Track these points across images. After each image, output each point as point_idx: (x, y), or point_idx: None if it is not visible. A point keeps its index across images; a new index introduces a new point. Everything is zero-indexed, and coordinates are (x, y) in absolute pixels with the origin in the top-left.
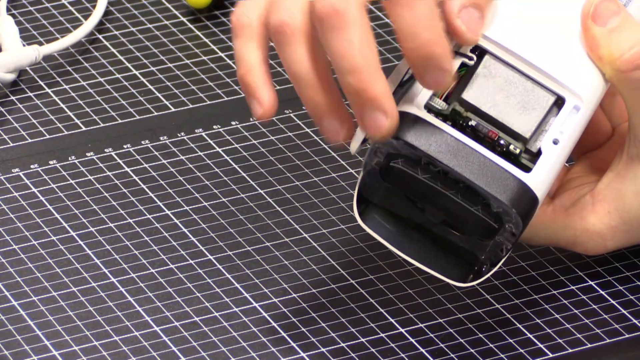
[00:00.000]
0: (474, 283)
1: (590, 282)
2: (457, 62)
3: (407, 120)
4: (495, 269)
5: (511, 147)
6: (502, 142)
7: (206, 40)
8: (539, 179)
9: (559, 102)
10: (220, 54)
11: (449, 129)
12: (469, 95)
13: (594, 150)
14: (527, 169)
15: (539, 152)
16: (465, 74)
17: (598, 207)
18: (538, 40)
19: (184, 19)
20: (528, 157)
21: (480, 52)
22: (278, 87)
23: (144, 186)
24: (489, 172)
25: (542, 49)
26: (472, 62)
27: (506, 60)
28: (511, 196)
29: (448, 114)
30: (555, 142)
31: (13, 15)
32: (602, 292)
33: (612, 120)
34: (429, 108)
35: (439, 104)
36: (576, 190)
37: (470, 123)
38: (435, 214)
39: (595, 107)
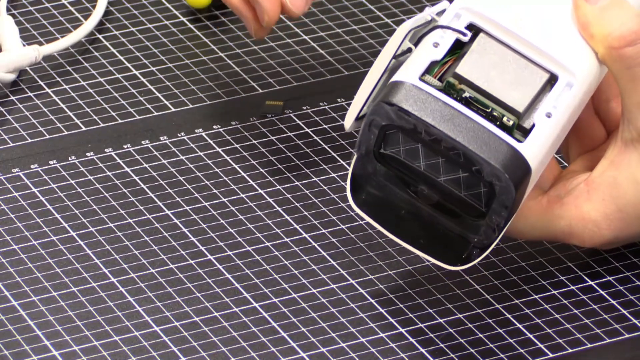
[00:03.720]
0: (467, 266)
1: (590, 282)
2: (451, 38)
3: (402, 88)
4: (488, 251)
5: (504, 119)
6: (495, 114)
7: (206, 40)
8: (532, 149)
9: (552, 81)
10: (220, 54)
11: (443, 97)
12: (463, 70)
13: (589, 152)
14: (520, 141)
15: (532, 127)
16: (460, 51)
17: (593, 195)
18: (532, 19)
19: (184, 19)
20: (521, 133)
21: (476, 30)
22: (278, 87)
23: (144, 186)
24: (482, 139)
25: (536, 27)
26: (466, 38)
27: (500, 38)
28: (504, 161)
29: (442, 88)
30: (548, 115)
31: (13, 15)
32: (602, 292)
33: (607, 125)
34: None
35: (433, 81)
36: (571, 180)
37: (464, 95)
38: (428, 197)
39: (589, 88)
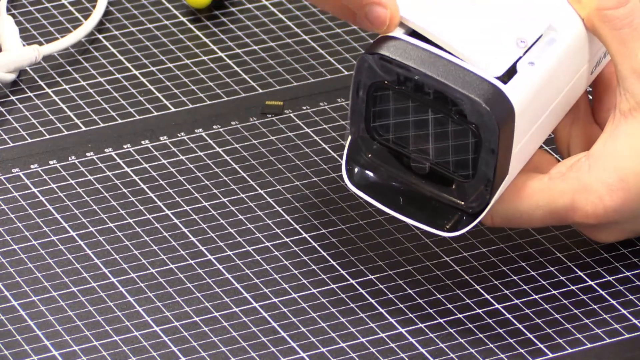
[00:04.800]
0: (460, 232)
1: (590, 282)
2: None
3: (384, 40)
4: (483, 214)
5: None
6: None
7: (206, 40)
8: (515, 90)
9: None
10: (220, 54)
11: (426, 45)
12: None
13: None
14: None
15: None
16: None
17: (594, 166)
18: None
19: (184, 19)
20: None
21: None
22: (278, 87)
23: (144, 186)
24: (463, 79)
25: None
26: None
27: None
28: (485, 96)
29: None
30: (531, 63)
31: (13, 15)
32: (602, 292)
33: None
34: None
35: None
36: (571, 158)
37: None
38: (420, 167)
39: (575, 48)
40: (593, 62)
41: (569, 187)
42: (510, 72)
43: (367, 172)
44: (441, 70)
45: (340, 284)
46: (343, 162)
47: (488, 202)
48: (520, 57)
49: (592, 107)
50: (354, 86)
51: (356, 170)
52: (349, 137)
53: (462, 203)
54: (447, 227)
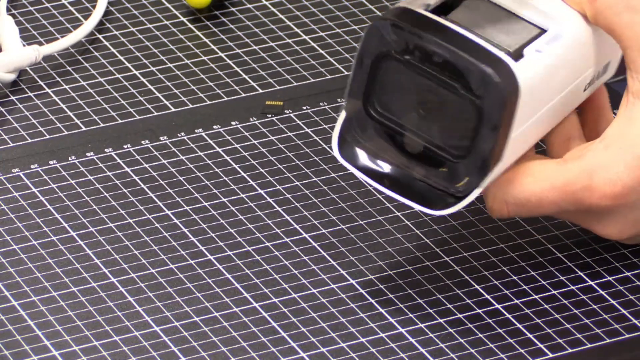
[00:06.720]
0: (449, 210)
1: (590, 282)
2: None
3: (395, 9)
4: (485, 183)
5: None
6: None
7: (206, 40)
8: (522, 69)
9: (542, 34)
10: (220, 54)
11: (436, 17)
12: (455, 16)
13: None
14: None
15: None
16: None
17: (610, 146)
18: None
19: (184, 19)
20: None
21: None
22: (278, 87)
23: (144, 186)
24: (472, 48)
25: None
26: None
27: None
28: (492, 66)
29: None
30: (539, 50)
31: (13, 15)
32: (602, 292)
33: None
34: None
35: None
36: (584, 144)
37: None
38: (414, 145)
39: (580, 47)
40: (599, 67)
41: (586, 166)
42: (518, 56)
43: (358, 149)
44: (453, 40)
45: (340, 284)
46: (334, 136)
47: (476, 186)
48: (528, 43)
49: (584, 128)
50: (359, 54)
51: (347, 145)
52: (343, 112)
53: (451, 185)
54: (435, 207)
